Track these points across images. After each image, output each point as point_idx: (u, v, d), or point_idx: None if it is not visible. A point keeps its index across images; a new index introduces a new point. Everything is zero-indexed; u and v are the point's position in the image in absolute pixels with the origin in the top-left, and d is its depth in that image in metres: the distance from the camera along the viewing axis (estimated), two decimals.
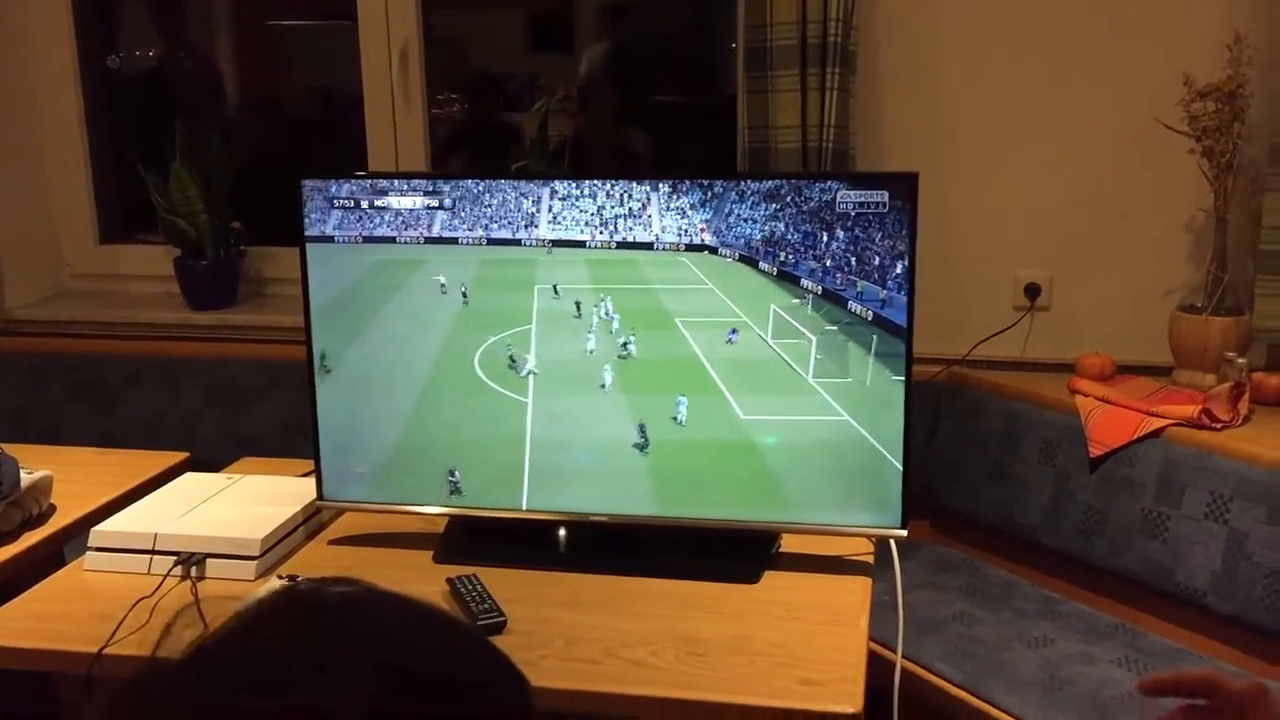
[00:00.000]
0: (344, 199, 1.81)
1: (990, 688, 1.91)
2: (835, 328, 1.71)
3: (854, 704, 1.40)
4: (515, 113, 3.16)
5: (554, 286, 1.79)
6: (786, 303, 1.73)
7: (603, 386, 1.79)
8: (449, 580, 1.66)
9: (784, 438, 1.75)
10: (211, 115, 3.19)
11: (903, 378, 1.69)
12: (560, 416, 1.81)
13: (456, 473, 1.82)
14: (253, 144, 3.19)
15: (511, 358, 1.80)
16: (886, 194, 1.66)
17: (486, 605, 1.60)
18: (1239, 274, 2.35)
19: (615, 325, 1.80)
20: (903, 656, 1.85)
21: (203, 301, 2.85)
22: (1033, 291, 2.56)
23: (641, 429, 1.77)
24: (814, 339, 1.72)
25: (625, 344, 1.78)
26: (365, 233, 1.82)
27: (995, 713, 1.88)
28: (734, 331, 1.74)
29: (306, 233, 1.81)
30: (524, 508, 1.80)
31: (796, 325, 1.73)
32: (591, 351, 1.80)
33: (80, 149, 3.01)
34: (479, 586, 1.64)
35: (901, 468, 1.69)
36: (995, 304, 2.59)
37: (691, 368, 1.77)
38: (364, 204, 1.81)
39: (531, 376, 1.80)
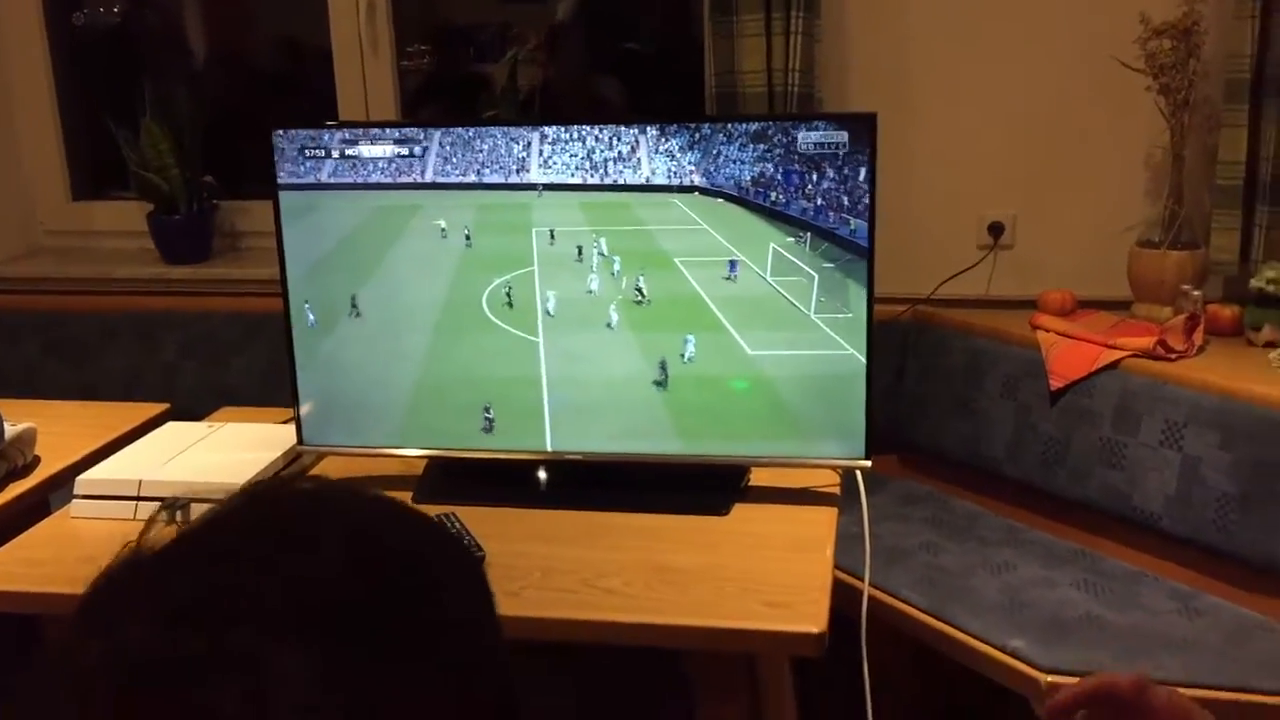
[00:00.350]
0: (317, 149, 1.83)
1: (954, 612, 1.99)
2: (832, 265, 1.74)
3: (818, 624, 1.46)
4: (486, 63, 3.17)
5: (550, 232, 1.83)
6: (783, 241, 1.76)
7: (609, 325, 1.83)
8: None
9: (773, 373, 1.79)
10: (179, 69, 3.18)
11: (865, 312, 1.73)
12: (574, 355, 1.85)
13: (491, 410, 1.85)
14: (221, 97, 3.19)
15: (509, 295, 1.84)
16: (846, 135, 1.70)
17: (465, 541, 1.65)
18: (1195, 209, 2.41)
19: (616, 267, 1.83)
20: (870, 585, 1.92)
21: (177, 256, 2.87)
22: (996, 230, 2.61)
23: (662, 366, 1.81)
24: (815, 275, 1.75)
25: (638, 287, 1.82)
26: (360, 179, 1.84)
27: (958, 635, 1.95)
28: (733, 267, 1.78)
29: (293, 181, 1.83)
30: (548, 447, 1.84)
31: (797, 262, 1.76)
32: (592, 292, 1.83)
33: (49, 107, 3.01)
34: (457, 524, 1.69)
35: (865, 399, 1.74)
36: (960, 243, 2.64)
37: (695, 306, 1.81)
38: (347, 153, 1.84)
39: (545, 317, 1.84)
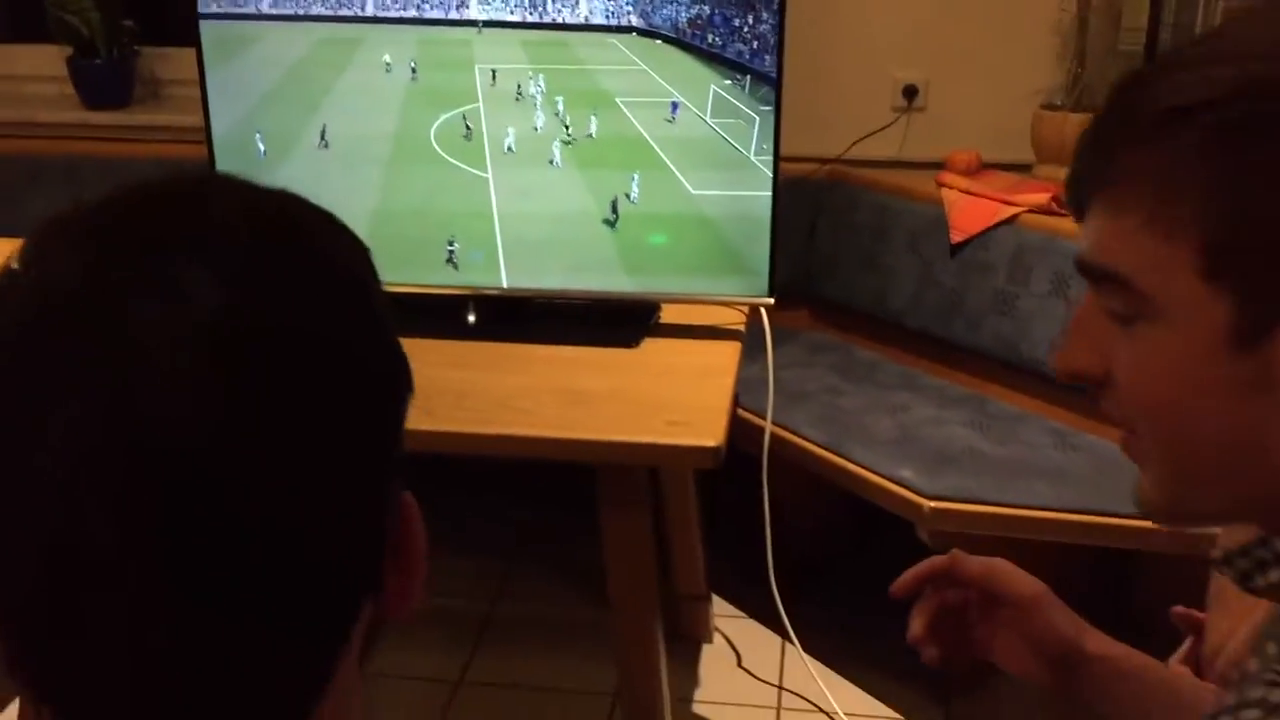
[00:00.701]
0: None
1: (849, 446, 2.13)
2: (769, 108, 1.79)
3: (715, 439, 1.58)
4: None
5: (493, 72, 1.87)
6: (722, 83, 1.82)
7: (551, 163, 1.89)
8: None
9: (713, 213, 1.87)
10: None
11: (771, 157, 1.82)
12: (523, 191, 1.91)
13: (455, 243, 1.91)
14: None
15: (468, 127, 1.89)
16: None
17: None
18: (1098, 73, 2.50)
19: (560, 106, 1.89)
20: (773, 423, 2.05)
21: (99, 101, 2.86)
22: (910, 93, 2.69)
23: (614, 205, 1.88)
24: (756, 119, 1.81)
25: (565, 124, 1.87)
26: (300, 9, 1.86)
27: (852, 467, 2.09)
28: (674, 108, 1.84)
29: (228, 10, 1.85)
30: (504, 282, 1.91)
31: (737, 104, 1.83)
32: (538, 129, 1.89)
33: None
34: None
35: (770, 239, 1.84)
36: (876, 105, 2.72)
37: (638, 145, 1.87)
38: None
39: (501, 153, 1.89)
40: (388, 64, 1.89)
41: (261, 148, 1.90)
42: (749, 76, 1.80)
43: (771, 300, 1.88)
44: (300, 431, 0.48)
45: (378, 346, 0.53)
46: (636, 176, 1.86)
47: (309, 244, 0.53)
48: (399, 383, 0.55)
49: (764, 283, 1.86)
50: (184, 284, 0.46)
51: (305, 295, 0.50)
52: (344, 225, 0.55)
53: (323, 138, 1.90)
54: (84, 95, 2.87)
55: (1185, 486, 0.64)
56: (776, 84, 1.79)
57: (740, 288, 1.88)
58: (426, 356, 1.93)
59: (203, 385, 0.46)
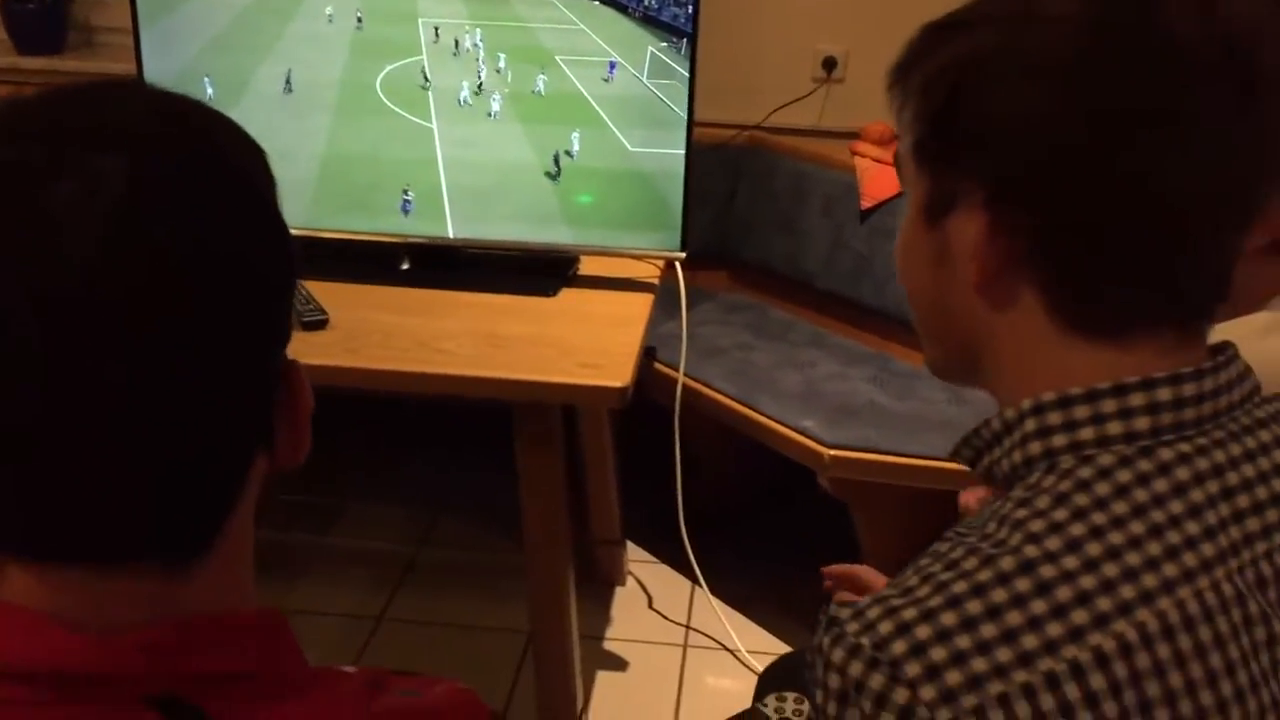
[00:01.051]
0: None
1: (757, 399, 2.24)
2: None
3: (623, 380, 1.67)
4: None
5: (435, 29, 1.94)
6: (659, 45, 1.91)
7: (490, 115, 1.96)
8: None
9: (650, 169, 1.96)
10: None
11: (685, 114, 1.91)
12: (467, 142, 1.98)
13: (410, 191, 1.98)
14: None
15: (426, 78, 1.96)
16: None
17: (311, 306, 1.81)
18: None
19: (503, 63, 1.96)
20: (687, 375, 2.15)
21: (31, 46, 2.87)
22: (829, 64, 2.80)
23: (555, 159, 1.95)
24: (688, 77, 1.90)
25: (534, 85, 1.95)
26: None
27: (759, 418, 2.21)
28: (612, 68, 1.92)
29: None
30: (449, 231, 1.98)
31: (674, 66, 1.91)
32: (481, 83, 1.96)
33: None
34: (304, 291, 1.84)
35: (683, 193, 1.93)
36: (796, 76, 2.82)
37: (578, 103, 1.95)
38: None
39: (454, 106, 1.96)
40: (329, 15, 1.96)
41: (210, 92, 1.96)
42: (685, 40, 1.90)
43: (683, 254, 1.98)
44: (196, 302, 0.56)
45: (267, 234, 0.62)
46: (577, 133, 1.95)
47: (209, 141, 0.61)
48: (287, 268, 0.63)
49: (677, 237, 1.96)
50: (97, 170, 0.54)
51: (204, 187, 0.58)
52: (242, 130, 0.63)
53: (287, 83, 1.96)
54: (16, 40, 2.88)
55: (928, 345, 0.77)
56: (691, 42, 1.87)
57: (655, 242, 1.98)
58: (359, 299, 2.02)
59: (110, 252, 0.54)
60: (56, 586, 0.57)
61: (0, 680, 0.55)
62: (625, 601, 2.45)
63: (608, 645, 2.32)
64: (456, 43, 1.95)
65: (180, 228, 0.56)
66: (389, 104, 1.98)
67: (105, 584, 0.58)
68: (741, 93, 2.71)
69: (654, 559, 2.56)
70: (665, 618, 2.40)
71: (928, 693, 0.59)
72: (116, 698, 0.56)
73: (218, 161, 0.60)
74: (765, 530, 2.60)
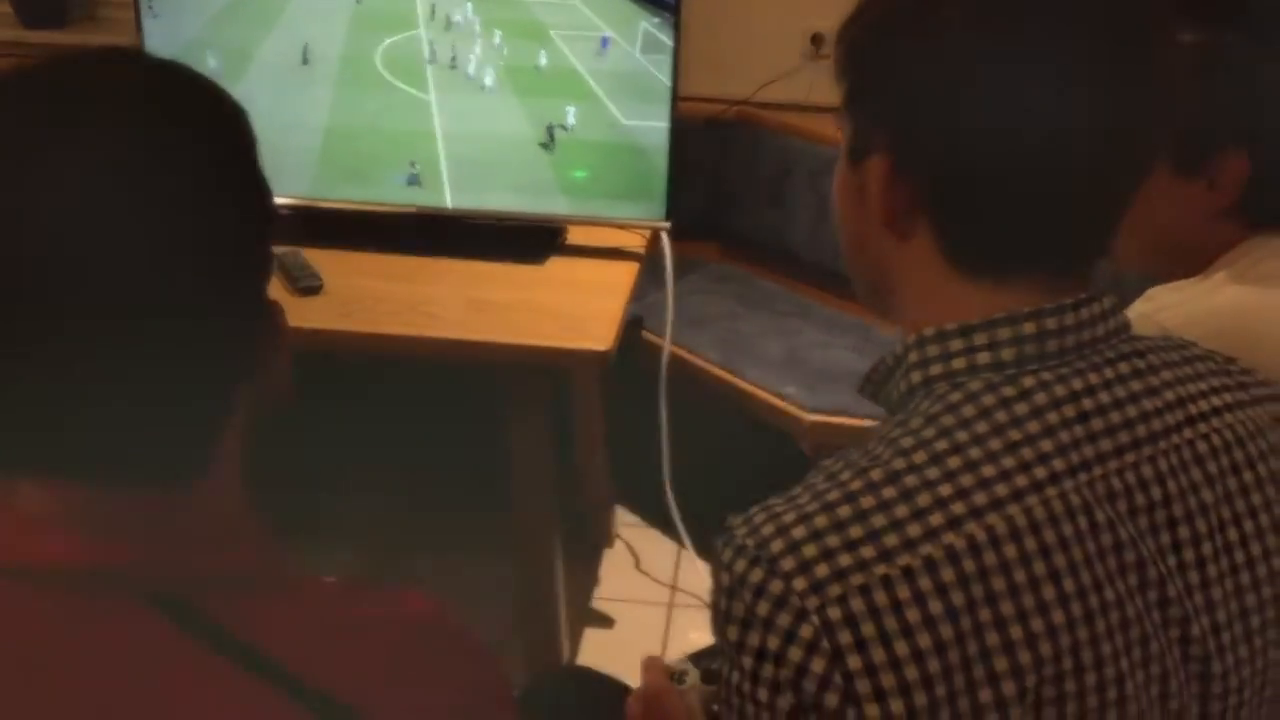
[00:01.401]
0: None
1: (741, 365, 2.30)
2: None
3: (605, 344, 1.74)
4: None
5: (432, 4, 1.99)
6: (652, 21, 1.96)
7: (484, 89, 2.02)
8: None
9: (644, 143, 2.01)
10: None
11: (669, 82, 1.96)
12: (464, 114, 2.04)
13: (417, 164, 2.04)
14: None
15: (433, 51, 2.01)
16: None
17: (307, 273, 1.87)
18: None
19: (498, 38, 2.02)
20: (674, 343, 2.22)
21: (35, 19, 2.92)
22: (818, 41, 2.85)
23: (549, 130, 2.01)
24: (673, 48, 1.94)
25: (535, 59, 2.01)
26: None
27: (742, 384, 2.27)
28: (605, 43, 1.98)
29: None
30: (448, 202, 2.04)
31: (665, 41, 1.96)
32: (477, 58, 2.02)
33: None
34: (300, 259, 1.90)
35: (667, 166, 1.99)
36: (785, 51, 2.87)
37: (572, 77, 2.01)
38: None
39: (458, 78, 2.02)
40: None
41: (212, 63, 2.02)
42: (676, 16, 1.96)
43: (668, 224, 2.04)
44: (184, 235, 0.62)
45: (248, 180, 0.68)
46: (572, 106, 2.01)
47: (196, 103, 0.67)
48: (265, 222, 0.70)
49: (662, 207, 2.02)
50: (90, 131, 0.61)
51: (189, 145, 0.65)
52: (225, 90, 0.69)
53: (304, 55, 2.02)
54: (21, 14, 2.94)
55: (853, 276, 0.86)
56: (676, 14, 1.93)
57: (642, 212, 2.04)
58: (354, 267, 2.08)
59: (98, 206, 0.60)
60: (66, 501, 0.64)
61: (2, 576, 0.62)
62: (613, 563, 2.52)
63: (597, 604, 2.40)
64: (448, 18, 2.01)
65: (165, 177, 0.62)
66: (388, 77, 2.04)
67: (111, 501, 0.64)
68: (731, 68, 2.76)
69: (642, 522, 2.63)
70: (652, 578, 2.47)
71: (799, 584, 0.68)
72: (116, 594, 0.62)
73: (201, 115, 0.66)
74: (749, 493, 2.67)
